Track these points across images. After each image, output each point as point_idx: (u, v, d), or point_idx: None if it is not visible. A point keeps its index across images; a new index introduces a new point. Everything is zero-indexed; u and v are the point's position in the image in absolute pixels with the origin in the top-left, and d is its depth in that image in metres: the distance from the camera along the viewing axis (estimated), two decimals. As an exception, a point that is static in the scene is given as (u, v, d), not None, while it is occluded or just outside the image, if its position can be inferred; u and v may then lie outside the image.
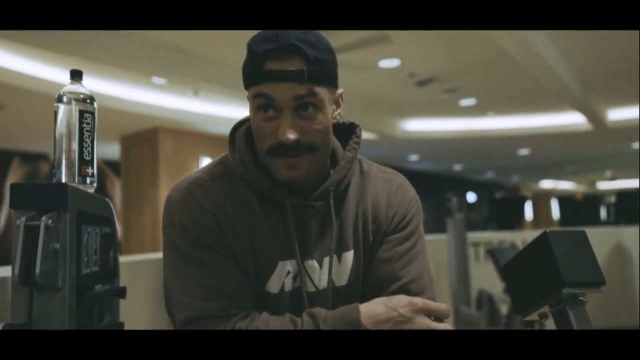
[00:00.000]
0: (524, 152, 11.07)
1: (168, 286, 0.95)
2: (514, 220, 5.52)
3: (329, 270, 0.99)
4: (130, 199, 7.07)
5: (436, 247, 4.52)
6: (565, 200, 20.05)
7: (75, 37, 3.90)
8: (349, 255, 1.02)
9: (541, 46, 4.51)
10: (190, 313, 0.91)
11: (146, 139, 6.74)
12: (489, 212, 6.20)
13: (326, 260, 1.00)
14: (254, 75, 0.91)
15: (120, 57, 4.36)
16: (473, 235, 4.74)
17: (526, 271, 0.89)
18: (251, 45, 0.92)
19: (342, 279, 1.02)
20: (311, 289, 0.99)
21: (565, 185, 20.22)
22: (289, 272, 0.98)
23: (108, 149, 7.90)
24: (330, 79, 0.94)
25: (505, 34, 4.03)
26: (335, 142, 1.05)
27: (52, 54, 4.34)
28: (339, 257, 1.01)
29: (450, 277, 4.28)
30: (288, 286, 0.99)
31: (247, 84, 0.94)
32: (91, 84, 4.68)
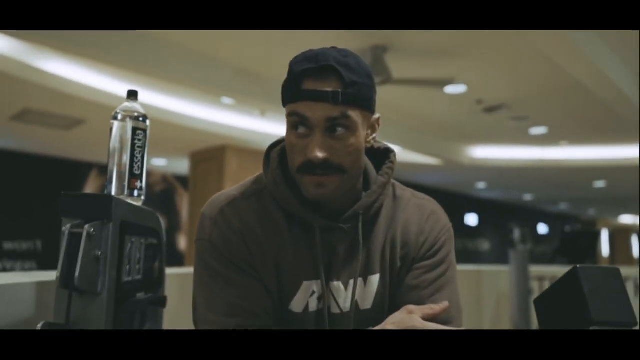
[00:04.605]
0: (600, 184, 10.56)
1: (195, 299, 0.99)
2: (584, 255, 5.26)
3: (352, 293, 1.00)
4: (197, 212, 7.21)
5: (498, 278, 4.39)
6: (647, 237, 18.86)
7: (152, 58, 4.14)
8: (375, 279, 1.02)
9: (614, 72, 4.33)
10: (212, 327, 0.94)
11: (214, 156, 6.97)
12: (558, 245, 5.94)
13: (352, 282, 1.00)
14: (291, 93, 0.93)
15: (192, 78, 4.58)
16: (539, 269, 4.56)
17: (557, 306, 0.87)
18: (291, 65, 0.95)
19: (367, 303, 1.02)
20: (336, 310, 1.00)
21: (647, 221, 19.02)
22: (313, 293, 0.99)
23: (178, 164, 8.24)
24: (365, 103, 0.95)
25: (574, 61, 3.91)
26: (369, 166, 1.05)
27: (130, 73, 4.61)
28: (365, 280, 1.02)
29: (511, 310, 4.14)
30: (312, 306, 1.00)
31: (284, 102, 0.96)
32: (165, 102, 4.93)
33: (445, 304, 0.94)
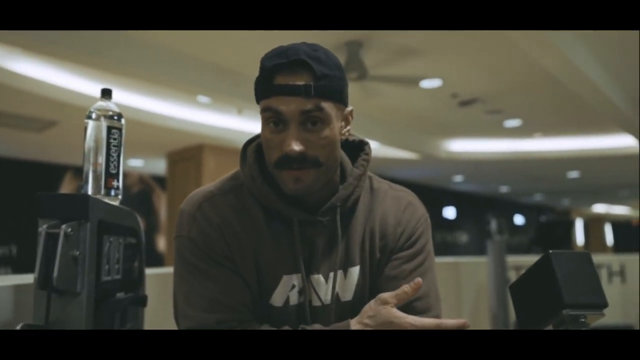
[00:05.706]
0: (573, 174, 10.75)
1: (175, 295, 0.99)
2: (559, 244, 5.39)
3: (333, 285, 1.01)
4: (176, 213, 7.19)
5: (477, 269, 4.45)
6: (620, 225, 19.27)
7: (125, 57, 4.09)
8: (355, 271, 1.03)
9: (587, 66, 4.41)
10: (192, 323, 0.95)
11: (191, 155, 6.92)
12: (534, 235, 6.08)
13: (332, 275, 1.01)
14: (264, 89, 0.95)
15: (168, 77, 4.53)
16: (515, 259, 4.64)
17: (531, 291, 0.89)
18: (262, 61, 0.96)
19: (347, 294, 1.03)
20: (317, 303, 1.01)
21: (620, 209, 19.44)
22: (293, 286, 1.00)
23: (155, 165, 8.16)
24: (337, 95, 0.96)
25: (548, 55, 3.97)
26: (344, 159, 1.07)
27: (104, 73, 4.55)
28: (345, 272, 1.03)
29: (489, 301, 4.20)
30: (293, 300, 1.01)
31: (258, 99, 0.97)
32: (140, 102, 4.89)
33: (418, 281, 0.93)
